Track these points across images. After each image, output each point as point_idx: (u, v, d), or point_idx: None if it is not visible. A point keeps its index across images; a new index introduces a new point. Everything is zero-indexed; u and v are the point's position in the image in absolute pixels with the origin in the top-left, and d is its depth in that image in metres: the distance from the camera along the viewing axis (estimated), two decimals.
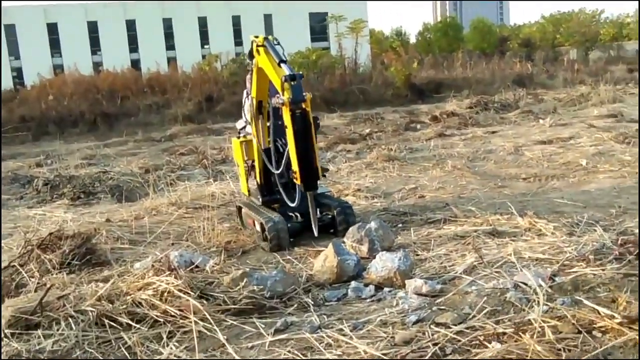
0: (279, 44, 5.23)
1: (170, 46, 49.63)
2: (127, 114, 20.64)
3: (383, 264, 4.18)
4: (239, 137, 6.46)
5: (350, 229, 5.09)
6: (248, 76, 6.43)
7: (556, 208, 6.03)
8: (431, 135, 12.64)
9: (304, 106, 4.70)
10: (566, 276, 3.76)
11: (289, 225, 5.50)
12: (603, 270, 3.73)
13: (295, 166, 4.80)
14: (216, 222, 6.22)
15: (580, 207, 5.99)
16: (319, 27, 51.65)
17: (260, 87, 5.68)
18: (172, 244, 5.83)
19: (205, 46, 49.10)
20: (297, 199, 5.38)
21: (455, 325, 3.25)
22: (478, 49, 48.99)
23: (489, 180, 7.84)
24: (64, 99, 21.16)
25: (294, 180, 4.96)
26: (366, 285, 4.15)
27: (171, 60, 36.64)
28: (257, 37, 5.38)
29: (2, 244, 5.72)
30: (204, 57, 36.05)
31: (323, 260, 4.43)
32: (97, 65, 38.81)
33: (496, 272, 4.10)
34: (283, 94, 4.72)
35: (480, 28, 59.62)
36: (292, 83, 4.66)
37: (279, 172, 5.58)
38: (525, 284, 3.69)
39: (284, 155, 5.32)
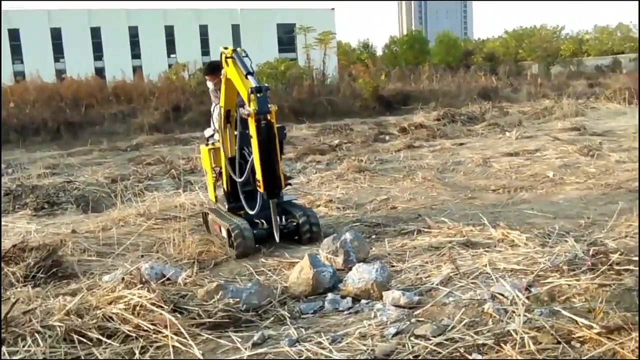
0: (247, 55, 5.32)
1: (135, 55, 49.09)
2: (91, 122, 20.24)
3: (360, 276, 4.14)
4: (207, 145, 6.48)
5: (325, 240, 5.05)
6: (211, 88, 6.45)
7: (527, 219, 6.11)
8: (400, 147, 12.74)
9: (269, 117, 4.82)
10: (542, 287, 3.78)
11: (254, 231, 5.59)
12: (577, 280, 3.76)
13: (259, 175, 4.94)
14: (187, 233, 6.12)
15: (550, 218, 6.08)
16: (286, 38, 51.82)
17: (228, 97, 5.71)
18: (142, 256, 5.69)
19: (172, 55, 48.71)
20: (257, 206, 5.46)
21: (435, 337, 3.23)
22: (443, 63, 49.82)
23: (459, 192, 7.91)
24: (26, 107, 20.62)
25: (258, 188, 5.07)
26: (343, 297, 4.10)
27: (137, 69, 36.25)
28: (226, 48, 5.44)
29: None
30: (170, 66, 35.72)
31: (298, 272, 4.37)
32: (60, 73, 38.06)
33: (472, 283, 4.10)
34: (249, 105, 4.81)
35: (446, 42, 60.68)
36: (258, 95, 4.77)
37: (241, 180, 5.67)
38: (502, 295, 3.70)
39: (248, 163, 5.42)
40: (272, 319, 3.84)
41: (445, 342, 3.16)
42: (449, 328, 3.32)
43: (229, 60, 5.28)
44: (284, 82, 25.61)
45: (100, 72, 38.15)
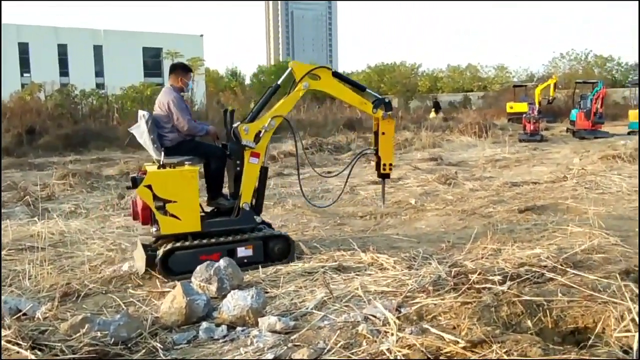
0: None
1: None
2: None
3: (235, 303, 4.09)
4: (167, 167, 5.55)
5: (198, 267, 4.92)
6: (172, 107, 5.90)
7: (393, 243, 6.41)
8: (270, 175, 12.80)
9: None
10: (410, 307, 3.97)
11: None
12: (442, 300, 4.00)
13: (391, 160, 6.30)
14: (46, 264, 5.66)
15: (414, 242, 6.43)
16: (152, 62, 50.53)
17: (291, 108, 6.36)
18: None
19: (26, 74, 45.44)
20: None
21: None
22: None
23: (329, 218, 8.11)
24: None
25: (384, 170, 6.31)
26: (218, 325, 4.02)
27: None
28: (295, 62, 6.28)
29: None
30: (23, 85, 33.33)
31: (170, 301, 4.21)
32: None
33: (346, 306, 4.22)
34: (372, 111, 6.25)
35: None
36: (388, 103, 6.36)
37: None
38: (374, 316, 3.83)
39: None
40: (143, 351, 3.65)
41: None
42: (326, 351, 3.38)
43: (327, 75, 6.06)
44: (150, 107, 24.86)
45: None
